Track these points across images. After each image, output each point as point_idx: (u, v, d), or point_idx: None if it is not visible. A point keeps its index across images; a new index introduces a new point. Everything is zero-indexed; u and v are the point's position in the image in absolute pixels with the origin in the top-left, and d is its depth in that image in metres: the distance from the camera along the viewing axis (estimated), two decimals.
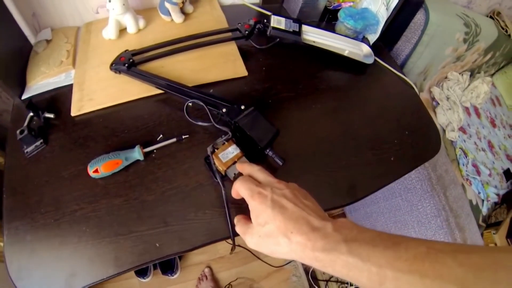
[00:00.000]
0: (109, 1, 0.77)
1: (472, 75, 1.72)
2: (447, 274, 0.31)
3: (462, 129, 1.51)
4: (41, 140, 0.65)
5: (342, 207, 0.71)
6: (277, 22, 0.84)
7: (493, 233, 1.43)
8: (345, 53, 0.89)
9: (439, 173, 1.14)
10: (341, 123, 0.80)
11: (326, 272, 0.38)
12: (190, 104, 0.68)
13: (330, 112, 0.82)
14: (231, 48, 0.86)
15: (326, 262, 0.36)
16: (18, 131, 0.62)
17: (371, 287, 0.34)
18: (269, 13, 0.87)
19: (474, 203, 1.38)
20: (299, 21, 0.87)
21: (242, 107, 0.65)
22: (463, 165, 1.40)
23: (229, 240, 0.59)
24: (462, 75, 1.61)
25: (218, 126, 0.64)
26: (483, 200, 1.43)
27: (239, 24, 0.85)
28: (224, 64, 0.82)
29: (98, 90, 0.73)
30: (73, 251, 0.55)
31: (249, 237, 0.44)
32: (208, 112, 0.66)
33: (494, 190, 1.46)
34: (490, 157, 1.60)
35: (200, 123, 0.67)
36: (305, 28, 0.88)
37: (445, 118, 1.43)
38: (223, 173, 0.59)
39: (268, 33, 0.85)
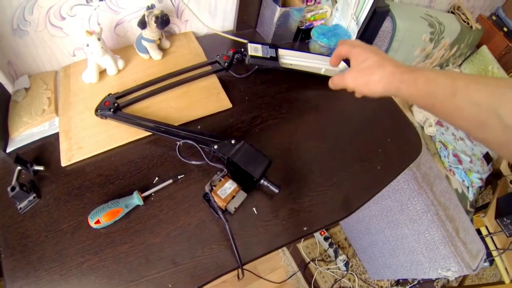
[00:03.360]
0: (87, 45, 0.75)
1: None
2: (503, 82, 0.40)
3: (439, 123, 1.58)
4: (34, 195, 0.63)
5: (339, 221, 0.73)
6: (254, 50, 0.86)
7: (482, 216, 1.49)
8: (322, 72, 0.92)
9: (423, 171, 1.19)
10: (327, 141, 0.83)
11: (407, 95, 0.49)
12: (182, 143, 0.69)
13: (316, 132, 0.85)
14: (213, 81, 0.87)
15: (410, 81, 0.48)
16: (9, 188, 0.60)
17: (443, 100, 0.44)
18: (244, 41, 0.89)
19: (460, 191, 1.44)
20: (275, 46, 0.90)
21: (233, 142, 0.66)
22: (445, 157, 1.47)
23: None
24: None
25: (212, 164, 0.66)
26: (468, 187, 1.49)
27: (218, 56, 0.86)
28: (208, 98, 0.83)
29: (86, 137, 0.72)
30: None
31: (348, 75, 0.58)
32: (200, 150, 0.67)
33: (477, 176, 1.53)
34: (468, 145, 1.67)
35: (193, 162, 0.68)
36: (281, 52, 0.90)
37: (422, 115, 1.49)
38: (224, 208, 0.61)
39: (246, 61, 0.86)
